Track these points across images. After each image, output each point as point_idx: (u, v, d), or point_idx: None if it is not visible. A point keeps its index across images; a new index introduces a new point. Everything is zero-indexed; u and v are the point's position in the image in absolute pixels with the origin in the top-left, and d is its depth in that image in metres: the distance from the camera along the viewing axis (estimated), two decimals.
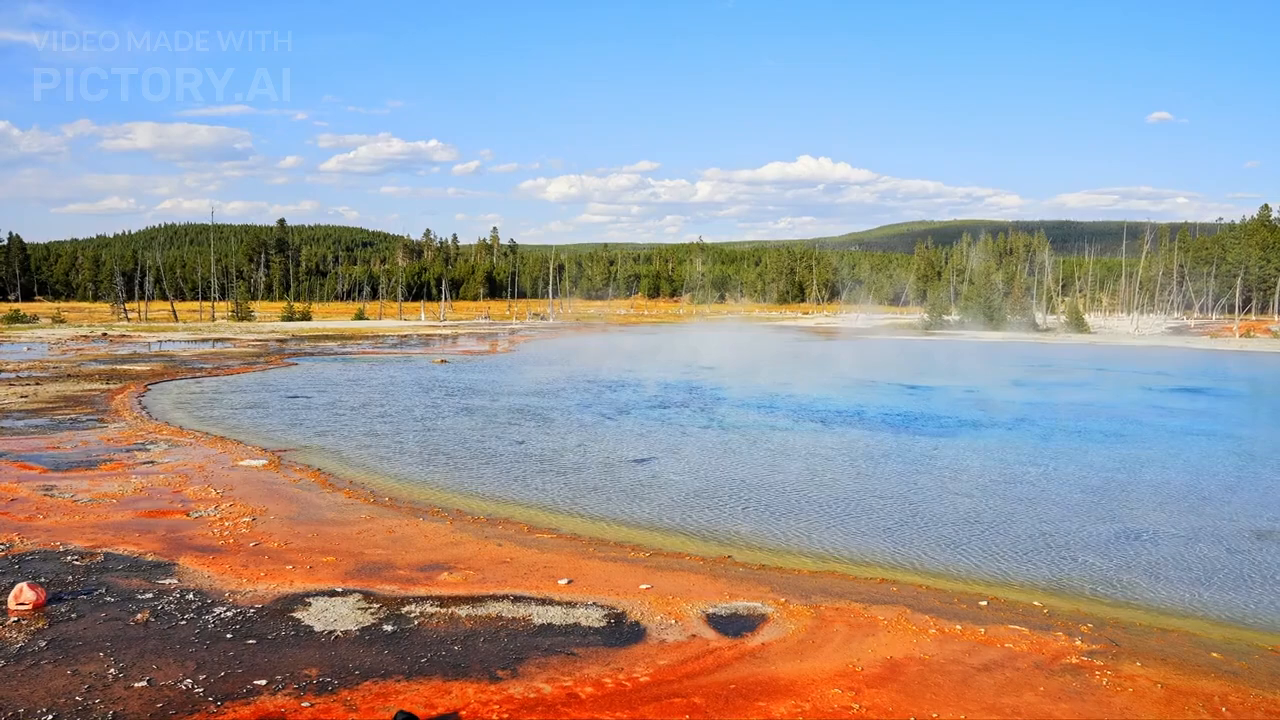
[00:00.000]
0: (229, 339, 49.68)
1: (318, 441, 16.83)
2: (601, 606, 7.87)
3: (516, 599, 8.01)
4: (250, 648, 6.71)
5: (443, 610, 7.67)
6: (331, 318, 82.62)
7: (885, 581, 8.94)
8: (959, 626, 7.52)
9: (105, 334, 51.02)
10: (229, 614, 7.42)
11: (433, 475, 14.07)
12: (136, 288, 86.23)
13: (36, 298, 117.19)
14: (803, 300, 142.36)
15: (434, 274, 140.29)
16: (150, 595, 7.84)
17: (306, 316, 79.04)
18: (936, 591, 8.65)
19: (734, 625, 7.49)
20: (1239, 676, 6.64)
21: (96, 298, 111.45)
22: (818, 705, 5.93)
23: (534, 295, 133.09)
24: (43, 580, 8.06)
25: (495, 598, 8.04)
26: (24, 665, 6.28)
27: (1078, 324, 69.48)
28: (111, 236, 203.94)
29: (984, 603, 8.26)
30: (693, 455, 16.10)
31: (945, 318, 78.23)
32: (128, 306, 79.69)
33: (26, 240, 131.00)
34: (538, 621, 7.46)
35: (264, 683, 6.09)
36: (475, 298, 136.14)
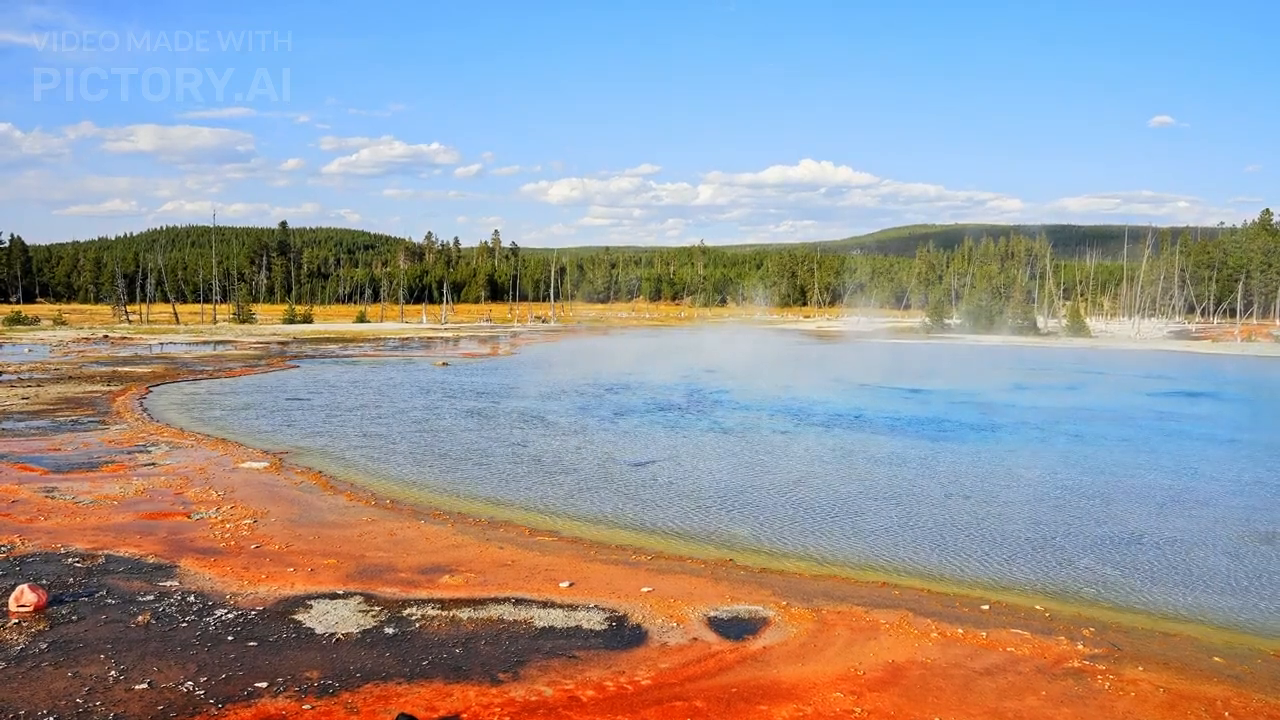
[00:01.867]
0: (230, 341, 49.70)
1: (319, 444, 16.83)
2: (603, 609, 7.86)
3: (518, 602, 8.00)
4: (251, 650, 6.71)
5: (444, 613, 7.67)
6: (333, 320, 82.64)
7: (887, 585, 8.93)
8: (961, 630, 7.51)
9: (106, 336, 51.05)
10: (230, 616, 7.41)
11: (434, 478, 14.07)
12: (138, 290, 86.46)
13: (38, 300, 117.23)
14: (804, 303, 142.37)
15: (435, 277, 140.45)
16: (151, 597, 7.84)
17: (308, 319, 79.08)
18: (938, 595, 8.63)
19: (735, 628, 7.48)
20: (1241, 681, 6.63)
21: (98, 300, 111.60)
22: (819, 709, 5.93)
23: (535, 298, 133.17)
24: (44, 582, 8.06)
25: (496, 600, 8.03)
26: (25, 667, 6.28)
27: (1079, 328, 69.41)
28: (113, 238, 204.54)
29: (986, 606, 8.25)
30: (693, 458, 16.09)
31: (946, 321, 78.24)
32: (129, 309, 79.74)
33: (28, 242, 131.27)
34: (539, 624, 7.45)
35: (265, 685, 6.09)
36: (477, 300, 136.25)
